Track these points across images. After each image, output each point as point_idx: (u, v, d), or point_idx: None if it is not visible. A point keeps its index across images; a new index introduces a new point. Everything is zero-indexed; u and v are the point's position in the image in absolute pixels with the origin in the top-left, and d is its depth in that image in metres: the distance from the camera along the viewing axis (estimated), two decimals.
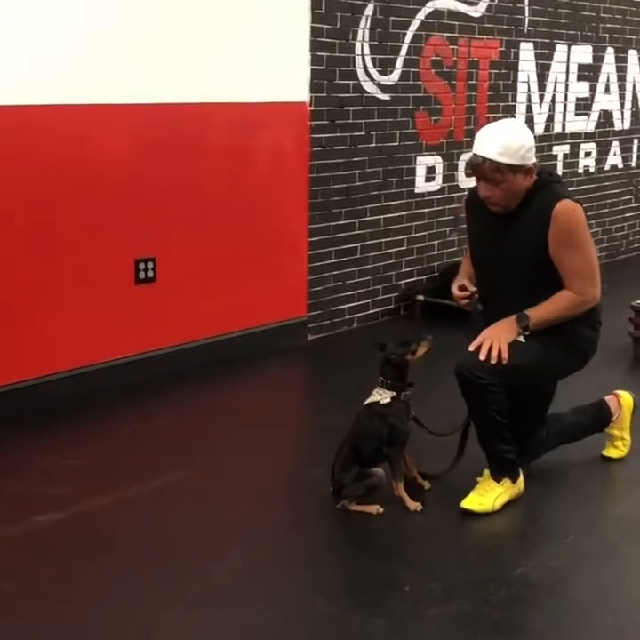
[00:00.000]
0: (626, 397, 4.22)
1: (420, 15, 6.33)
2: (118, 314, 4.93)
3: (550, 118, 7.73)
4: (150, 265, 5.02)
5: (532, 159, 3.51)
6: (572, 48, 7.78)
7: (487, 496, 3.68)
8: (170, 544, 3.41)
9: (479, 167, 3.51)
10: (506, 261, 3.61)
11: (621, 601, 3.15)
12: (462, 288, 3.78)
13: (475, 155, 3.55)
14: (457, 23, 6.63)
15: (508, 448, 3.72)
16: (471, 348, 3.55)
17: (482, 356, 3.49)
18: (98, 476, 3.96)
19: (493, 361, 3.48)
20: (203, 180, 5.21)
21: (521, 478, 3.78)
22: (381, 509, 3.63)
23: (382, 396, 3.66)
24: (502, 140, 3.48)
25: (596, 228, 8.49)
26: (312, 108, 5.73)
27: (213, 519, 3.61)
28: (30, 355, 4.59)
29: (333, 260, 6.04)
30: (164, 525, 3.56)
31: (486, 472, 3.77)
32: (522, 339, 3.56)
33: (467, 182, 6.88)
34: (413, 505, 3.64)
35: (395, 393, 3.65)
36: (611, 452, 4.15)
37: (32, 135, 4.47)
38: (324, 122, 5.82)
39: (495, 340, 3.51)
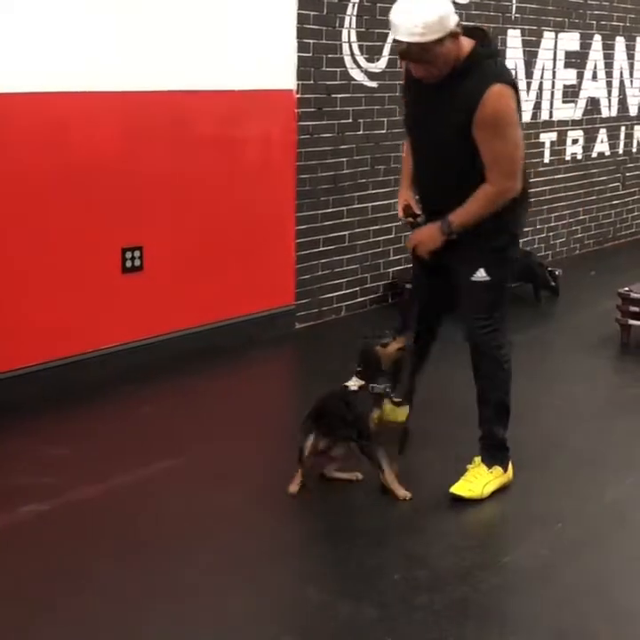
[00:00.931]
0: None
1: None
2: (105, 303, 4.91)
3: (537, 106, 7.72)
4: (137, 254, 5.00)
5: (452, 23, 3.35)
6: (560, 35, 7.77)
7: (476, 482, 3.70)
8: (158, 534, 3.41)
9: (407, 52, 3.40)
10: (432, 131, 3.60)
11: (610, 587, 3.16)
12: (407, 208, 3.81)
13: (397, 42, 3.42)
14: None
15: (506, 435, 3.75)
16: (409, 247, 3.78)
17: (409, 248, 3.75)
18: (85, 465, 3.94)
19: (418, 253, 3.70)
20: (189, 168, 5.18)
21: (510, 467, 3.79)
22: (361, 476, 3.72)
23: (352, 383, 3.69)
24: (420, 20, 3.30)
25: (583, 215, 8.51)
26: (299, 96, 5.70)
27: (202, 508, 3.60)
28: (16, 344, 4.57)
29: (321, 249, 6.03)
30: (152, 515, 3.55)
31: (477, 459, 3.78)
32: (481, 274, 3.63)
33: None
34: (403, 494, 3.65)
35: (363, 382, 3.67)
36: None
37: (15, 123, 4.43)
38: (312, 109, 5.79)
39: (419, 246, 3.70)
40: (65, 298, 4.72)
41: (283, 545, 3.42)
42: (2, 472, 3.86)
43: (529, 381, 5.11)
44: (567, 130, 8.11)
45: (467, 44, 3.47)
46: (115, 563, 3.21)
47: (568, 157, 8.19)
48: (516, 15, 7.27)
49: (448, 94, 3.47)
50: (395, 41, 3.48)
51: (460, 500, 3.66)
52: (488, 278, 3.64)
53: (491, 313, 3.70)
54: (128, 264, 4.97)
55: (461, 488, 3.68)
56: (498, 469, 3.75)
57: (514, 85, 3.55)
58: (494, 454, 3.76)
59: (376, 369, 3.67)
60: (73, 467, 3.93)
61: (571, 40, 7.91)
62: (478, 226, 3.58)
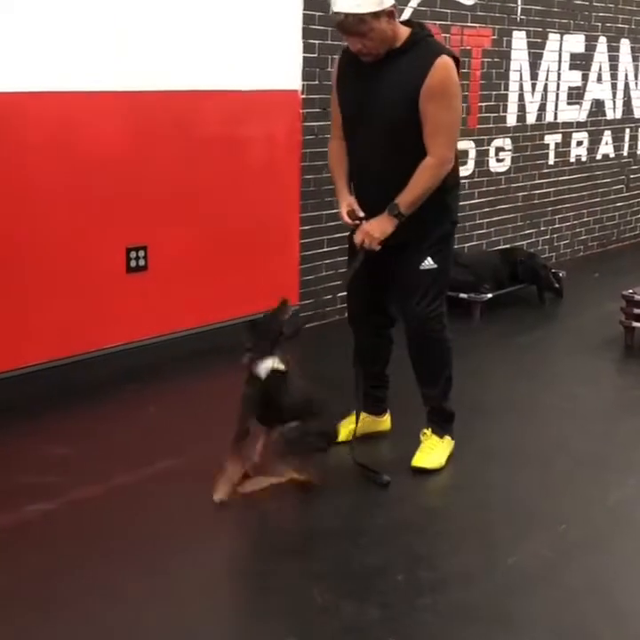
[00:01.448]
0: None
1: (413, 3, 6.30)
2: (109, 302, 4.91)
3: (542, 107, 7.72)
4: (142, 253, 5.00)
5: (388, 2, 3.51)
6: (565, 37, 7.76)
7: (434, 453, 3.91)
8: (161, 533, 3.41)
9: (343, 24, 3.53)
10: (377, 108, 3.63)
11: (613, 588, 3.16)
12: (351, 213, 3.81)
13: (335, 13, 3.55)
14: (449, 11, 6.61)
15: (450, 398, 3.98)
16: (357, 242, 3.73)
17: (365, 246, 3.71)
18: (89, 464, 3.95)
19: (367, 246, 3.69)
20: (194, 168, 5.18)
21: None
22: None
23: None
24: None
25: (587, 217, 8.50)
26: (304, 96, 5.70)
27: (204, 508, 3.59)
28: (21, 343, 4.57)
29: (325, 249, 6.03)
30: (155, 514, 3.55)
31: (427, 431, 3.97)
32: (428, 262, 3.76)
33: (462, 171, 6.86)
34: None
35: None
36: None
37: (21, 122, 4.44)
38: (317, 110, 5.79)
39: (368, 238, 3.69)
40: (69, 297, 4.72)
41: (285, 545, 3.42)
42: (7, 471, 3.86)
43: (532, 382, 5.13)
44: (572, 131, 8.11)
45: (404, 29, 3.63)
46: (118, 562, 3.22)
47: (572, 159, 8.18)
48: (522, 17, 7.27)
49: (391, 71, 3.59)
50: (333, 14, 3.57)
51: (423, 473, 3.84)
52: (435, 266, 3.77)
53: (436, 297, 3.83)
54: (132, 264, 4.97)
55: (422, 460, 3.88)
56: (447, 438, 3.98)
57: (456, 59, 3.64)
58: (444, 425, 4.00)
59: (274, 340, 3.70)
60: (77, 466, 3.93)
61: (576, 42, 7.91)
62: (423, 216, 3.65)
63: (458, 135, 3.76)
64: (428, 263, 3.77)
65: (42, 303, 4.62)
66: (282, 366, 3.67)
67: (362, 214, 3.76)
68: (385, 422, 4.26)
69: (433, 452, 3.93)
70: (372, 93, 3.64)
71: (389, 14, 3.52)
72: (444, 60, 3.56)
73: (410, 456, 3.93)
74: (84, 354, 4.83)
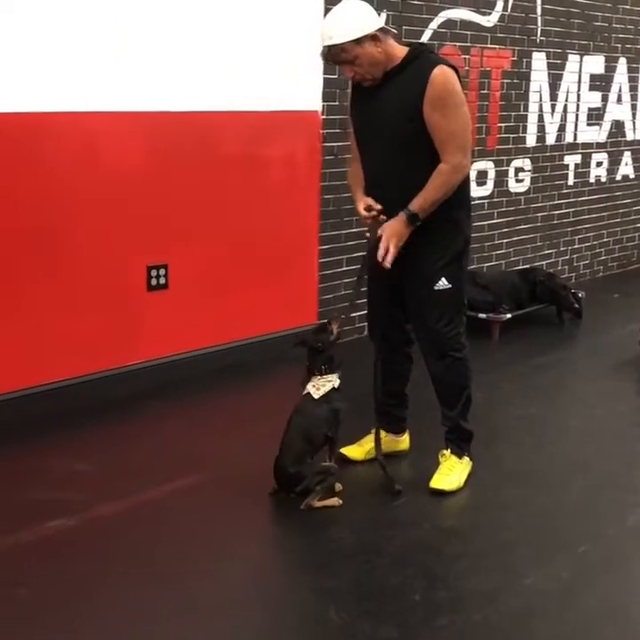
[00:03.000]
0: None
1: (433, 25, 6.34)
2: (130, 320, 4.95)
3: (562, 128, 7.73)
4: (162, 271, 5.04)
5: (370, 27, 3.57)
6: (585, 58, 7.78)
7: (453, 474, 3.89)
8: (180, 551, 3.42)
9: (328, 56, 3.65)
10: (383, 126, 3.70)
11: (632, 612, 3.14)
12: (368, 208, 3.82)
13: (321, 48, 3.64)
14: (469, 33, 6.65)
15: (468, 418, 3.97)
16: (380, 254, 3.70)
17: (379, 258, 3.70)
18: (110, 481, 3.97)
19: (387, 264, 3.68)
20: (215, 188, 5.23)
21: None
22: (340, 501, 3.75)
23: (332, 381, 3.79)
24: (333, 23, 3.61)
25: (606, 237, 8.49)
26: (324, 117, 5.75)
27: (224, 525, 3.61)
28: (43, 360, 4.62)
29: (344, 268, 6.04)
30: (175, 531, 3.57)
31: (445, 451, 3.95)
32: (443, 283, 3.76)
33: (479, 191, 6.89)
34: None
35: (338, 375, 3.82)
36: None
37: (46, 142, 4.50)
38: (336, 130, 5.83)
39: (391, 244, 3.68)
40: (91, 314, 4.76)
41: (302, 564, 3.43)
42: (28, 487, 3.89)
43: (551, 403, 5.12)
44: (591, 152, 8.12)
45: (401, 49, 3.67)
46: (139, 579, 3.23)
47: (592, 180, 8.18)
48: (541, 38, 7.30)
49: (392, 87, 3.65)
50: (320, 49, 3.68)
51: (442, 494, 3.84)
52: (449, 286, 3.78)
53: (454, 318, 3.84)
54: (153, 282, 5.01)
55: (441, 482, 3.86)
56: (466, 458, 3.97)
57: (456, 70, 3.68)
58: (462, 445, 3.98)
59: (334, 361, 3.84)
60: (98, 482, 3.95)
61: (595, 63, 7.93)
62: (435, 234, 3.69)
63: (470, 141, 3.75)
64: (443, 283, 3.78)
65: (64, 320, 4.67)
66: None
67: (378, 206, 3.77)
68: (404, 442, 4.26)
69: (451, 473, 3.92)
70: (376, 112, 3.72)
71: (373, 38, 3.57)
72: (442, 70, 3.60)
73: (427, 475, 3.94)
74: (106, 371, 4.87)
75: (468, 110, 3.73)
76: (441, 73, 3.59)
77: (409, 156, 3.67)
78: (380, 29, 3.61)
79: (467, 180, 3.80)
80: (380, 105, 3.70)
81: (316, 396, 3.78)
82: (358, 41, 3.55)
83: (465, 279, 3.93)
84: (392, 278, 3.79)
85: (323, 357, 3.82)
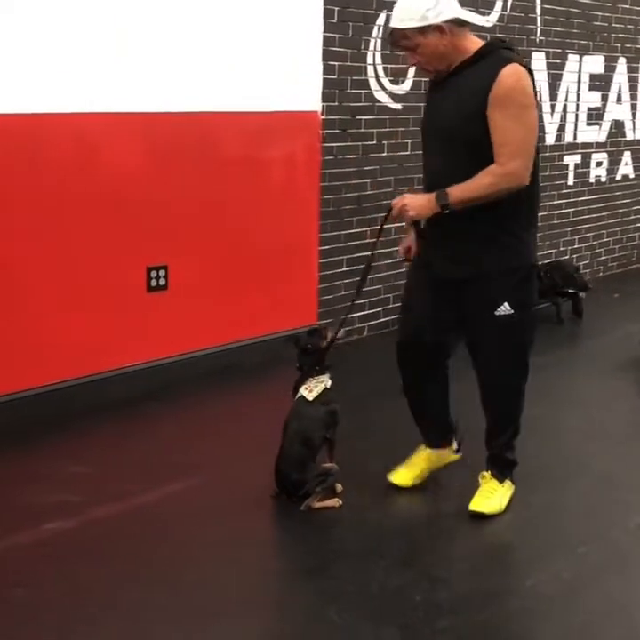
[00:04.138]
0: None
1: None
2: (130, 321, 4.94)
3: (562, 128, 7.73)
4: (162, 273, 5.03)
5: (437, 17, 3.38)
6: (584, 58, 7.78)
7: (494, 497, 3.72)
8: (180, 552, 3.41)
9: (391, 39, 3.55)
10: (441, 122, 3.52)
11: (633, 613, 3.13)
12: (407, 250, 3.76)
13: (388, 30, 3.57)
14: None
15: (514, 447, 3.77)
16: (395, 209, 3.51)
17: (394, 213, 3.53)
18: (109, 483, 3.96)
19: (394, 214, 3.50)
20: (214, 189, 5.22)
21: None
22: (340, 502, 3.73)
23: (324, 381, 3.78)
24: (402, 8, 3.46)
25: (606, 237, 8.48)
26: (324, 117, 5.74)
27: (223, 528, 3.60)
28: (42, 362, 4.60)
29: (345, 269, 6.04)
30: (174, 533, 3.56)
31: (486, 473, 3.78)
32: (505, 306, 3.49)
33: None
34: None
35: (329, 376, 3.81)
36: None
37: (44, 143, 4.49)
38: (336, 131, 5.82)
39: (405, 212, 3.49)
40: (90, 315, 4.75)
41: (304, 566, 3.41)
42: (26, 489, 3.88)
43: (552, 403, 5.11)
44: (591, 152, 8.11)
45: (475, 43, 3.49)
46: (136, 582, 3.22)
47: (592, 180, 8.18)
48: (541, 38, 7.29)
49: (457, 83, 3.46)
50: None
51: (481, 518, 3.68)
52: (512, 311, 3.52)
53: (517, 351, 3.64)
54: (153, 283, 5.00)
55: (481, 505, 3.70)
56: (508, 482, 3.79)
57: (529, 70, 3.47)
58: (504, 471, 3.79)
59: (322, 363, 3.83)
60: (96, 484, 3.94)
61: (595, 63, 7.92)
62: (498, 251, 3.46)
63: (532, 150, 3.42)
64: (505, 308, 3.51)
65: (63, 321, 4.66)
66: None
67: (415, 250, 3.71)
68: (453, 450, 3.96)
69: (492, 496, 3.72)
70: (438, 109, 3.57)
71: (438, 29, 3.38)
72: (513, 67, 3.37)
73: (431, 476, 3.92)
74: (105, 372, 4.85)
75: (536, 116, 3.49)
76: (511, 71, 3.36)
77: (468, 158, 3.41)
78: (453, 20, 3.40)
79: (535, 201, 3.55)
80: (443, 102, 3.52)
81: (309, 398, 3.77)
82: (421, 30, 3.38)
83: (532, 309, 3.65)
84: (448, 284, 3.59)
85: (311, 359, 3.82)
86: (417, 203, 3.49)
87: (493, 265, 3.50)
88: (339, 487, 3.82)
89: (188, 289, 5.16)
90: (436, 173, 3.54)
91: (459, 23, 3.44)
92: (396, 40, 3.50)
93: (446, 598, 3.15)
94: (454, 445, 3.96)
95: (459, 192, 3.40)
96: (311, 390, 3.78)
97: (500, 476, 3.77)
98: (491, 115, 3.36)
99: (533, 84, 3.47)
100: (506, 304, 3.52)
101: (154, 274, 5.00)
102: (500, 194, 3.39)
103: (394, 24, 3.47)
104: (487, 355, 3.66)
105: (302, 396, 3.79)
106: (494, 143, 3.37)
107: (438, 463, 3.95)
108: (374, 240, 3.86)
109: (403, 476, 3.90)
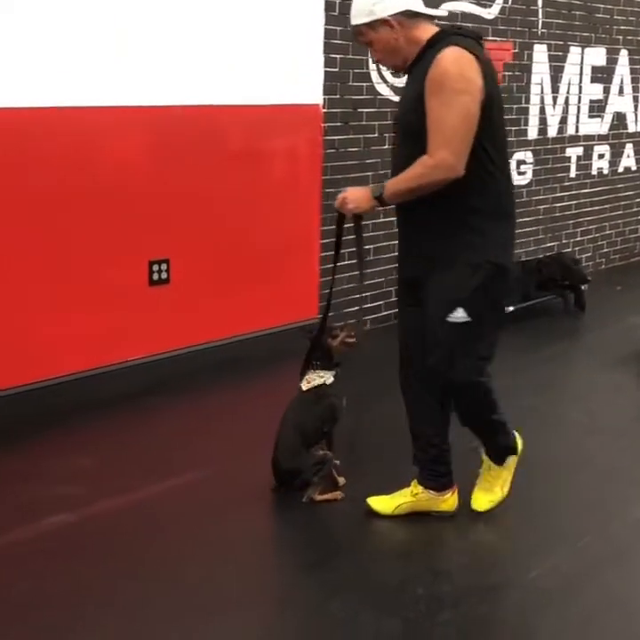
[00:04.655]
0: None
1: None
2: (132, 315, 4.95)
3: (563, 120, 7.72)
4: (164, 266, 5.04)
5: (383, 11, 3.26)
6: (586, 50, 7.76)
7: (495, 489, 3.70)
8: (179, 549, 3.42)
9: (352, 36, 3.52)
10: (398, 116, 3.47)
11: (634, 606, 3.14)
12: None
13: None
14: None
15: (506, 429, 3.67)
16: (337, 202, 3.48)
17: (335, 205, 3.50)
18: (111, 477, 3.97)
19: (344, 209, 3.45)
20: (216, 182, 5.22)
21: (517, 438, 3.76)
22: (342, 494, 3.75)
23: (324, 377, 3.79)
24: (354, 4, 3.40)
25: (609, 230, 8.47)
26: (325, 110, 5.73)
27: (226, 521, 3.61)
28: (44, 356, 4.61)
29: (346, 262, 6.01)
30: (177, 527, 3.57)
31: (485, 461, 3.74)
32: (459, 312, 3.25)
33: None
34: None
35: (333, 373, 3.80)
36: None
37: (45, 137, 4.49)
38: (338, 124, 5.82)
39: (344, 205, 3.45)
40: (92, 309, 4.76)
41: (305, 558, 3.42)
42: (29, 483, 3.89)
43: (553, 396, 5.12)
44: (593, 144, 8.10)
45: (430, 35, 3.31)
46: (139, 576, 3.23)
47: (594, 172, 8.16)
48: (543, 30, 7.28)
49: (413, 72, 3.34)
50: None
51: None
52: (468, 319, 3.27)
53: (467, 357, 3.36)
54: (155, 277, 5.01)
55: (483, 502, 3.69)
56: (509, 459, 3.72)
57: (476, 55, 3.23)
58: (502, 455, 3.73)
59: (332, 359, 3.83)
60: (99, 478, 3.95)
61: (597, 55, 7.90)
62: (450, 249, 3.28)
63: (463, 139, 3.17)
64: (461, 315, 3.27)
65: (65, 316, 4.66)
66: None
67: None
68: (447, 501, 3.65)
69: (493, 487, 3.69)
70: (400, 100, 3.58)
71: (387, 24, 3.28)
72: (452, 50, 3.18)
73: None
74: (107, 366, 4.86)
75: (471, 104, 3.16)
76: (446, 55, 3.17)
77: (421, 149, 3.22)
78: (403, 13, 3.27)
79: (500, 190, 3.33)
80: (403, 94, 3.49)
81: (303, 388, 3.79)
82: (370, 25, 3.31)
83: (493, 315, 3.40)
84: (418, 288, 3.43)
85: (316, 355, 3.83)
86: (355, 195, 3.43)
87: (447, 262, 3.30)
88: (341, 480, 3.83)
89: (189, 283, 5.17)
90: (396, 166, 3.41)
91: (409, 15, 3.29)
92: (355, 37, 3.46)
93: (448, 591, 3.16)
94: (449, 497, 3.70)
95: (393, 184, 3.31)
96: (309, 382, 3.80)
97: (499, 461, 3.73)
98: (427, 102, 3.19)
99: (490, 71, 3.26)
100: (461, 309, 3.28)
101: (156, 268, 5.00)
102: (434, 185, 3.20)
103: (351, 21, 3.42)
104: (432, 360, 3.39)
105: (299, 387, 3.80)
106: (428, 131, 3.19)
107: (425, 506, 3.69)
108: (336, 240, 3.78)
109: (381, 502, 3.67)
